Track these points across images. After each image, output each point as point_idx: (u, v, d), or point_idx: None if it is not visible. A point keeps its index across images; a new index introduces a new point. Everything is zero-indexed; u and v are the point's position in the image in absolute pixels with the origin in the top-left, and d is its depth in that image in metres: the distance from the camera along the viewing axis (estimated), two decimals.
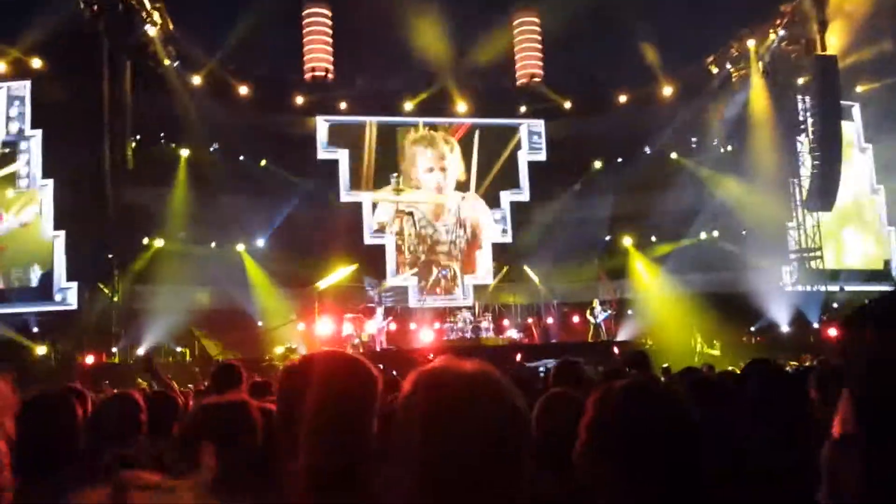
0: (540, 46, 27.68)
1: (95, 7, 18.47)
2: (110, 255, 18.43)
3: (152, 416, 3.74)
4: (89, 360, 16.75)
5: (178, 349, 18.44)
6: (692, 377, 4.33)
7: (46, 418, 2.73)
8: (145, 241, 19.60)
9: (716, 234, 22.90)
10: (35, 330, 17.88)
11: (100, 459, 3.16)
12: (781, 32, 21.96)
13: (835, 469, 1.45)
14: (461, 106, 23.80)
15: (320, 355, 1.81)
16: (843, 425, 1.44)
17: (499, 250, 23.83)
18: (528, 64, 27.41)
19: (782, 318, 20.22)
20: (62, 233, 18.71)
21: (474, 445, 1.30)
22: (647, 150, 24.07)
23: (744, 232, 22.18)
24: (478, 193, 24.16)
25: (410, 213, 23.63)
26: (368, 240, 23.19)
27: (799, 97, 22.50)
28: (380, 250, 23.18)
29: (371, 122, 23.77)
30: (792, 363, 12.04)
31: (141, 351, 17.46)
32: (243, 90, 22.05)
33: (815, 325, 20.08)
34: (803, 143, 22.40)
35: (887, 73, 22.70)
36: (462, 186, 24.07)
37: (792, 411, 3.26)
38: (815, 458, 1.55)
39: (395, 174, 23.73)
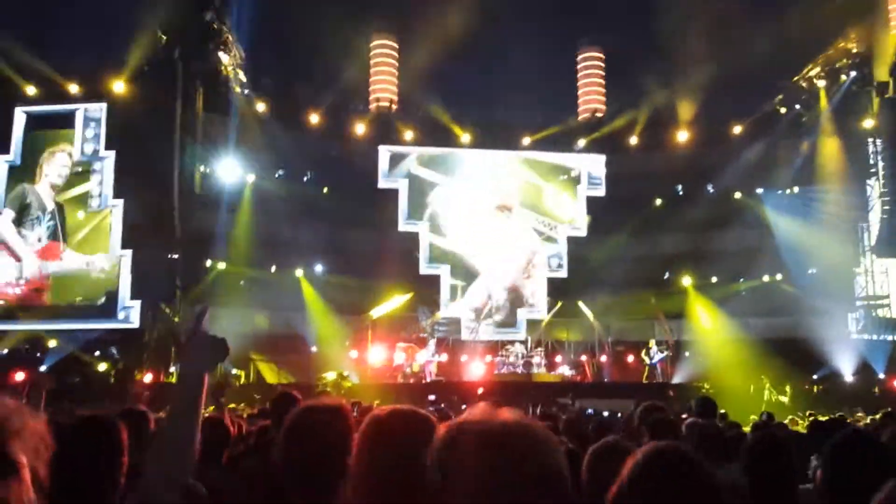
0: (603, 82, 27.75)
1: (173, 34, 19.20)
2: (174, 276, 18.88)
3: (205, 444, 3.82)
4: (147, 378, 17.15)
5: (234, 371, 18.75)
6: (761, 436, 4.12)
7: (87, 448, 2.75)
8: (208, 263, 20.04)
9: (779, 277, 22.29)
10: (97, 347, 18.38)
11: None
12: (853, 74, 21.50)
13: None
14: (523, 139, 23.84)
15: (402, 414, 1.92)
16: None
17: (554, 285, 23.63)
18: (591, 99, 27.45)
19: (846, 367, 19.50)
20: (129, 252, 19.27)
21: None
22: (711, 188, 23.69)
23: (810, 271, 21.43)
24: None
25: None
26: (424, 269, 23.29)
27: (870, 140, 21.91)
28: (435, 280, 23.23)
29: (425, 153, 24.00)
30: (859, 416, 11.61)
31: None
32: (309, 118, 22.50)
33: (881, 376, 19.32)
34: (873, 188, 21.76)
35: None
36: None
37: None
38: None
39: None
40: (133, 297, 19.07)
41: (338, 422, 2.23)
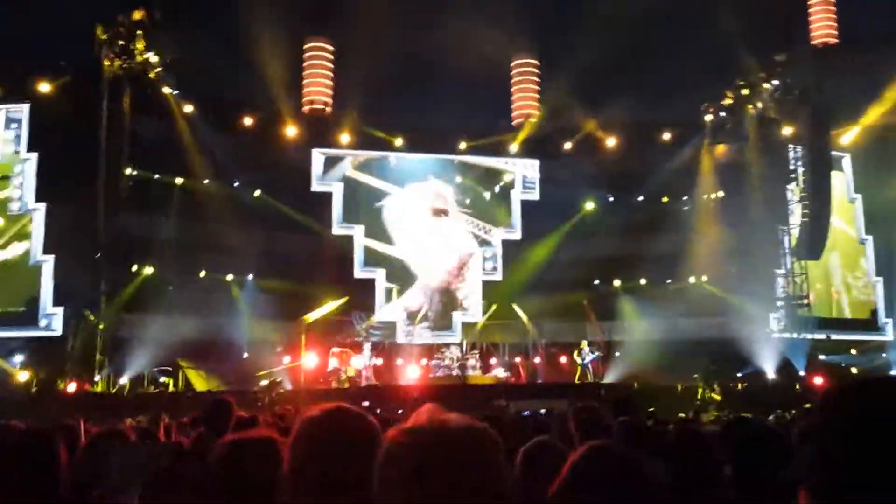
0: (537, 88, 28.12)
1: (100, 32, 18.60)
2: (99, 282, 18.28)
3: None
4: (72, 388, 16.56)
5: (162, 379, 18.27)
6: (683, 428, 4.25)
7: (25, 466, 2.66)
8: (135, 268, 19.50)
9: (704, 278, 22.97)
10: (18, 355, 17.66)
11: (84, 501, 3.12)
12: (775, 82, 22.26)
13: None
14: (457, 143, 23.94)
15: (336, 414, 1.90)
16: None
17: (488, 288, 23.82)
18: (525, 105, 27.79)
19: (769, 365, 20.23)
20: (51, 257, 18.61)
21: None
22: (640, 193, 24.24)
23: (734, 273, 22.12)
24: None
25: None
26: (359, 273, 23.17)
27: (790, 146, 22.78)
28: (369, 283, 23.13)
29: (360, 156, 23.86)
30: (780, 413, 12.02)
31: (124, 380, 17.33)
32: (241, 120, 22.08)
33: (802, 373, 20.10)
34: (793, 192, 22.62)
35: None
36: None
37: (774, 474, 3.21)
38: None
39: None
40: (56, 303, 18.43)
41: (267, 456, 2.17)
